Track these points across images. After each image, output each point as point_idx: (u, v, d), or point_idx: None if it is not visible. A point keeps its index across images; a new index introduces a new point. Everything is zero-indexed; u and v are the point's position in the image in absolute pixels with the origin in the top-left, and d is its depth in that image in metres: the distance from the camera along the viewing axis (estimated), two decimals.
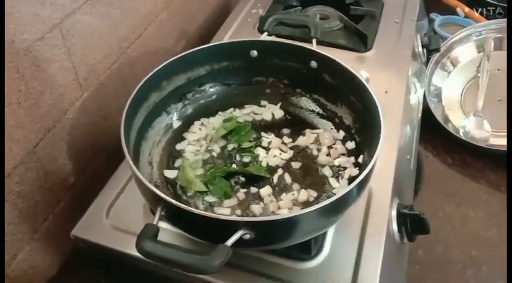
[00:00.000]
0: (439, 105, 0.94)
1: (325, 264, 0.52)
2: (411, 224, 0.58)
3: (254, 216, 0.53)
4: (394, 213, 0.58)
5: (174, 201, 0.41)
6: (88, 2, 0.61)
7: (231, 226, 0.40)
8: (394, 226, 0.57)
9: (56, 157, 0.62)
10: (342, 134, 0.63)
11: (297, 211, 0.43)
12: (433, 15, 1.17)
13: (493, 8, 1.17)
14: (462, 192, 0.81)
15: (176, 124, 0.66)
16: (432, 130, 0.88)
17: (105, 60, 0.68)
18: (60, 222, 0.64)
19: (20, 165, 0.55)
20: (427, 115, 0.89)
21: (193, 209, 0.40)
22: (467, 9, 1.16)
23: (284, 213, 0.41)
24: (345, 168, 0.59)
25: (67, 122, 0.63)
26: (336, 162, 0.60)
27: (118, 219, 0.57)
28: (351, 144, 0.60)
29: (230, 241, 0.39)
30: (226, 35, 0.87)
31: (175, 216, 0.43)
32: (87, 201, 0.61)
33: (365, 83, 0.55)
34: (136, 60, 0.76)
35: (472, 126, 0.89)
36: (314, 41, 0.64)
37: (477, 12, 1.16)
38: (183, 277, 0.51)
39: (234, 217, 0.40)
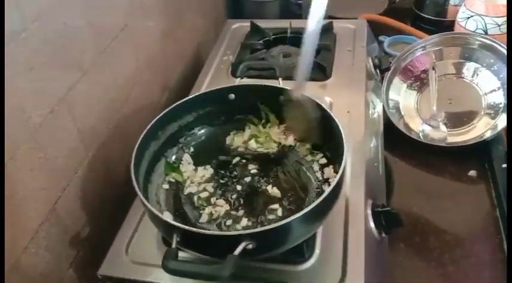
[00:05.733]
0: (399, 115, 1.04)
1: (318, 264, 0.60)
2: (385, 220, 0.66)
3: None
4: (369, 212, 0.67)
5: (187, 227, 0.50)
6: (86, 73, 0.70)
7: (236, 239, 0.49)
8: (371, 224, 0.66)
9: (72, 211, 0.70)
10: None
11: (289, 218, 0.51)
12: (381, 37, 1.31)
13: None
14: (430, 187, 0.91)
15: None
16: (396, 138, 0.98)
17: (103, 121, 0.77)
18: (81, 269, 0.71)
19: (45, 221, 0.63)
20: (389, 126, 0.99)
21: (203, 231, 0.50)
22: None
23: (279, 222, 0.51)
24: None
25: (78, 179, 0.71)
26: None
27: (136, 254, 0.64)
28: (322, 160, 0.70)
29: (237, 251, 0.48)
30: (205, 83, 0.94)
31: (189, 239, 0.51)
32: (104, 246, 0.67)
33: (326, 107, 0.66)
34: (129, 116, 0.84)
35: (430, 129, 1.00)
36: (280, 79, 0.76)
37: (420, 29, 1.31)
38: None
39: (238, 232, 0.50)
